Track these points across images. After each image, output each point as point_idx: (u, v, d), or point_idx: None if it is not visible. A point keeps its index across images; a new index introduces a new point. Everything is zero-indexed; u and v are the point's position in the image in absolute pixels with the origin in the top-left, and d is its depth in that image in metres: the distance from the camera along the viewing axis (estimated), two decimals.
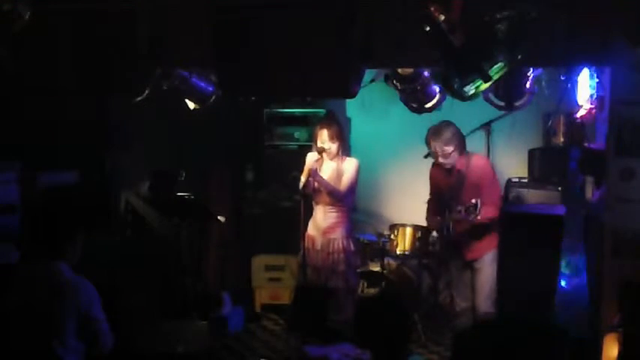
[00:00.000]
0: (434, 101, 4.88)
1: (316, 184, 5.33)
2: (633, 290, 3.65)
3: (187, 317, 5.52)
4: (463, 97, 3.64)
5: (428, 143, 5.22)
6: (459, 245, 5.29)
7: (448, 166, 5.22)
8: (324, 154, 5.30)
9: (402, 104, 5.05)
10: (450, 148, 5.13)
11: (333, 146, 5.27)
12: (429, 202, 5.59)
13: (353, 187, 5.40)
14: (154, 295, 5.67)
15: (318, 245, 5.40)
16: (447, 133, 5.13)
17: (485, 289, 5.16)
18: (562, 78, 4.88)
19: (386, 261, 6.24)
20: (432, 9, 3.38)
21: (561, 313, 4.11)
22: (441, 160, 5.19)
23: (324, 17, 3.92)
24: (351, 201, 5.52)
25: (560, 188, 5.30)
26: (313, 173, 5.22)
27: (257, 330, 6.26)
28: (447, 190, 5.29)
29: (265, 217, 6.57)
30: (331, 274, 5.37)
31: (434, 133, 5.16)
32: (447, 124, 5.17)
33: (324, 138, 5.28)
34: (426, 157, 5.64)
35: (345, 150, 5.56)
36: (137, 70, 4.33)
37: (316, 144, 5.33)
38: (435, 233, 6.07)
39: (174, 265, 5.84)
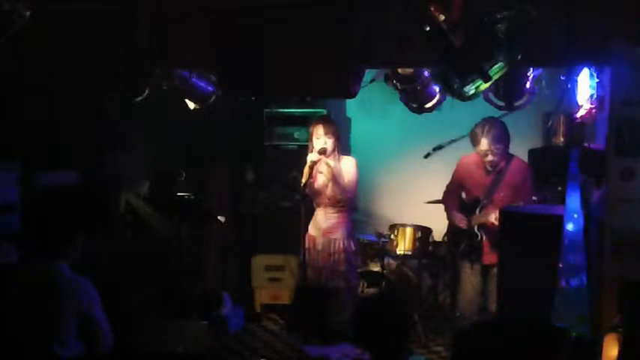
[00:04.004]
0: (434, 101, 4.87)
1: (316, 185, 5.34)
2: (633, 290, 3.64)
3: (187, 317, 5.52)
4: (463, 97, 3.64)
5: (475, 139, 5.12)
6: (479, 248, 5.27)
7: (492, 165, 5.16)
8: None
9: (402, 104, 5.04)
10: (500, 146, 5.09)
11: (329, 142, 5.26)
12: (448, 193, 5.54)
13: (356, 187, 5.41)
14: (153, 295, 5.67)
15: (319, 245, 5.40)
16: (499, 130, 5.07)
17: None
18: (562, 78, 4.87)
19: (386, 261, 6.24)
20: (432, 9, 3.38)
21: (561, 313, 4.10)
22: (489, 158, 5.11)
23: (324, 17, 3.92)
24: (353, 201, 5.52)
25: (560, 188, 5.30)
26: (334, 179, 5.22)
27: (257, 330, 6.26)
28: (481, 189, 5.25)
29: (265, 217, 6.57)
30: (332, 274, 5.37)
31: (484, 129, 5.06)
32: (496, 120, 5.09)
33: (319, 133, 5.28)
34: (426, 157, 5.64)
35: (343, 149, 5.56)
36: (137, 70, 4.33)
37: (311, 141, 5.33)
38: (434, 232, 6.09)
39: (175, 265, 5.84)
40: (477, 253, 5.27)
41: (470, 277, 5.36)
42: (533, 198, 5.09)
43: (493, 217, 5.06)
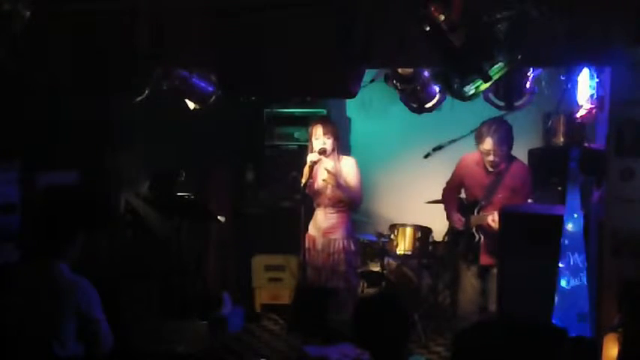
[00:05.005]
0: (434, 101, 4.87)
1: (316, 185, 5.34)
2: (633, 290, 3.65)
3: (187, 317, 5.51)
4: (463, 97, 3.64)
5: (480, 138, 5.10)
6: (477, 249, 5.26)
7: (493, 165, 5.15)
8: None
9: (402, 104, 5.03)
10: (504, 148, 5.08)
11: (328, 142, 5.27)
12: (447, 191, 5.54)
13: (361, 187, 5.41)
14: (154, 295, 5.67)
15: (319, 245, 5.40)
16: (505, 132, 5.06)
17: None
18: (562, 78, 4.87)
19: (386, 261, 6.24)
20: (432, 9, 3.38)
21: (561, 313, 4.10)
22: (491, 158, 5.10)
23: (324, 17, 3.92)
24: (360, 200, 5.52)
25: (560, 188, 5.30)
26: (337, 183, 5.23)
27: (257, 330, 6.26)
28: (480, 189, 5.25)
29: (265, 217, 6.57)
30: (331, 274, 5.37)
31: (491, 129, 5.04)
32: (503, 121, 5.08)
33: (318, 134, 5.28)
34: (426, 157, 5.63)
35: (343, 149, 5.56)
36: (137, 70, 4.34)
37: (311, 141, 5.34)
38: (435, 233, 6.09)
39: (174, 265, 5.84)
40: (475, 253, 5.27)
41: (468, 278, 5.36)
42: (529, 201, 5.08)
43: (490, 219, 5.06)
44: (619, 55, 3.69)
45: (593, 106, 4.88)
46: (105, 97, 5.16)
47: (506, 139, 5.08)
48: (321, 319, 5.15)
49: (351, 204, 5.41)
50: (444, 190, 5.57)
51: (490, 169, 5.19)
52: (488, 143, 5.08)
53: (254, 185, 6.79)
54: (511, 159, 5.20)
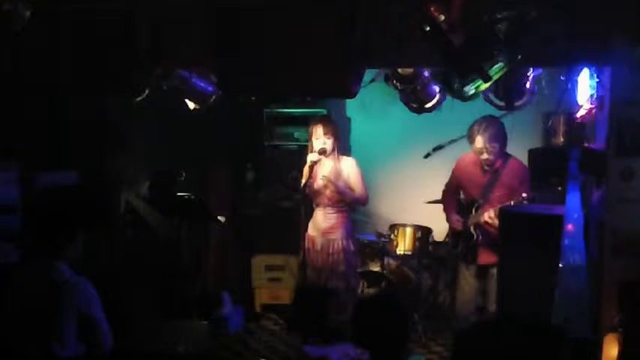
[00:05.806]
0: (434, 101, 4.87)
1: (315, 185, 5.34)
2: (633, 290, 3.65)
3: (187, 317, 5.51)
4: (463, 97, 3.64)
5: (472, 137, 5.12)
6: (477, 248, 5.27)
7: (488, 164, 5.17)
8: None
9: (402, 104, 5.04)
10: (496, 145, 5.09)
11: (328, 142, 5.27)
12: (446, 193, 5.56)
13: (365, 186, 5.41)
14: (154, 295, 5.67)
15: (318, 246, 5.40)
16: (495, 129, 5.07)
17: None
18: (562, 78, 4.88)
19: (386, 261, 6.24)
20: (432, 9, 3.38)
21: (561, 313, 4.10)
22: (485, 156, 5.11)
23: (324, 17, 3.92)
24: (366, 198, 5.52)
25: (560, 188, 5.30)
26: (338, 188, 5.23)
27: (257, 330, 6.26)
28: (478, 188, 5.26)
29: (265, 217, 6.58)
30: (331, 274, 5.37)
31: (481, 127, 5.06)
32: (494, 119, 5.09)
33: (318, 133, 5.28)
34: (426, 157, 5.64)
35: (343, 149, 5.56)
36: (137, 70, 4.34)
37: (311, 141, 5.34)
38: (434, 234, 6.09)
39: (174, 266, 5.84)
40: (473, 253, 5.27)
41: (467, 278, 5.36)
42: (523, 195, 5.08)
43: (486, 216, 5.06)
44: (619, 55, 3.69)
45: (593, 106, 4.88)
46: (105, 97, 5.16)
47: (497, 137, 5.09)
48: (321, 319, 5.16)
49: (356, 204, 5.41)
50: (443, 192, 5.58)
51: (486, 168, 5.20)
52: (479, 142, 5.09)
53: (254, 185, 6.79)
54: (507, 157, 5.20)
